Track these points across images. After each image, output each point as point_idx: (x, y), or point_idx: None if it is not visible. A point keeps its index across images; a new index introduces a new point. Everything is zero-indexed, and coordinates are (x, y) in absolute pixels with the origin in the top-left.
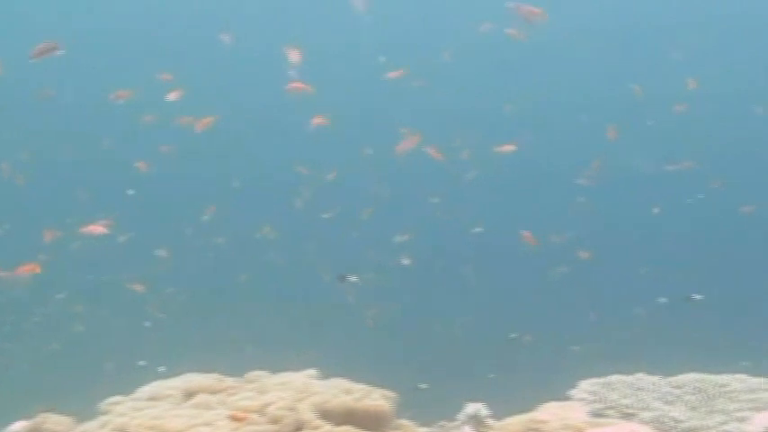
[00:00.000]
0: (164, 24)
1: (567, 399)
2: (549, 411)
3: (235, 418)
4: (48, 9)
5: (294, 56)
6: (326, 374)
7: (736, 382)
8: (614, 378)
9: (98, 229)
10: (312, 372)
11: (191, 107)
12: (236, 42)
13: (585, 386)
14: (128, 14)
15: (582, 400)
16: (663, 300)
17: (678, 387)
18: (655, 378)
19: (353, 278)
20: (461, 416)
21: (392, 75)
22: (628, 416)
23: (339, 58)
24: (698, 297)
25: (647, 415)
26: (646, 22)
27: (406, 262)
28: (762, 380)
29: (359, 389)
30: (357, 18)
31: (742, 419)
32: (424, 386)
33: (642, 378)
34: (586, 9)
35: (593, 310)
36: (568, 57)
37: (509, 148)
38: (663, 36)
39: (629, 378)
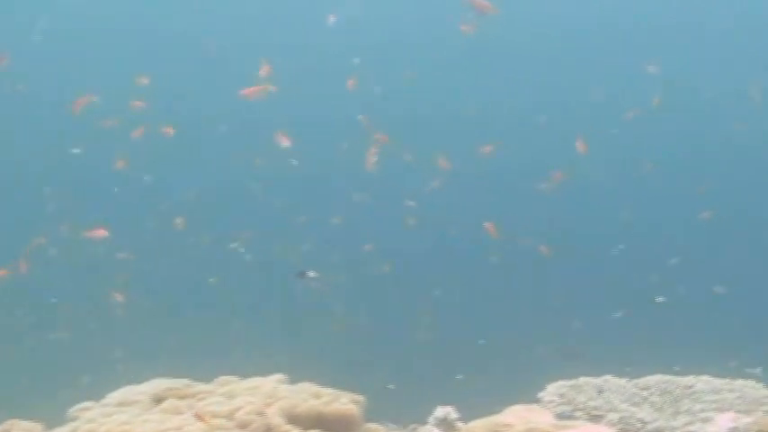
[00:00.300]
0: (133, 27)
1: (535, 401)
2: (515, 414)
3: (199, 418)
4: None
5: (264, 70)
6: (295, 379)
7: (701, 383)
8: (582, 380)
9: (100, 232)
10: (281, 376)
11: (164, 111)
12: (215, 46)
13: (553, 388)
14: (102, 16)
15: (550, 402)
16: (618, 314)
17: (644, 389)
18: (622, 380)
19: (312, 273)
20: (431, 419)
21: (351, 82)
22: (595, 418)
23: (309, 61)
24: (661, 299)
25: (613, 416)
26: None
27: (386, 269)
28: (725, 380)
29: (328, 393)
30: (326, 20)
31: (706, 420)
32: (391, 386)
33: (609, 380)
34: (564, 10)
35: (571, 315)
36: (547, 58)
37: (487, 149)
38: (637, 38)
39: (597, 380)
